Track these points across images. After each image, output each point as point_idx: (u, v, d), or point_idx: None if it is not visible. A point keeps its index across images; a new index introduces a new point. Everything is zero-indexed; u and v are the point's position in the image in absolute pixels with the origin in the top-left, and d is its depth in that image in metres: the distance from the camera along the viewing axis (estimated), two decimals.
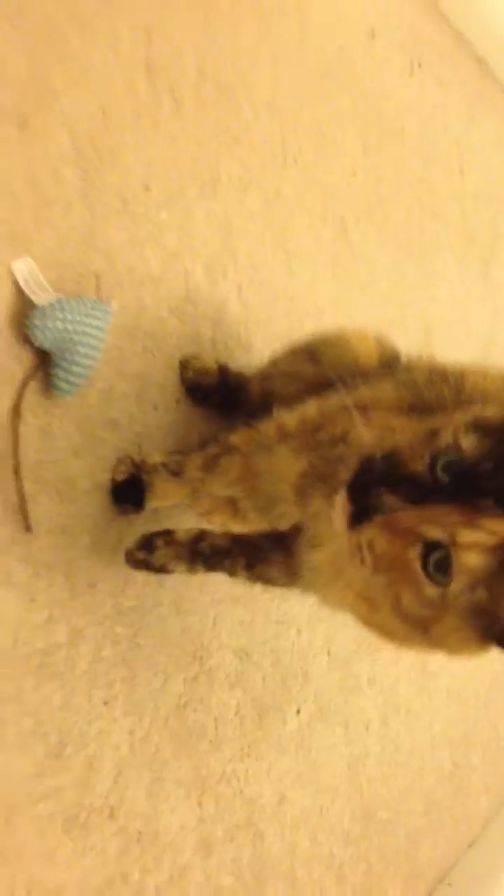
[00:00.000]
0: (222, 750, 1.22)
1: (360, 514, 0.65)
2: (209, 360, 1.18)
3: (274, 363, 1.11)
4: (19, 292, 0.95)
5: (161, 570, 1.00)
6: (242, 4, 1.30)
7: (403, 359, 1.03)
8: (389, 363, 1.00)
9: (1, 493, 0.93)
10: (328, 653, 1.44)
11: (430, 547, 0.64)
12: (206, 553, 1.00)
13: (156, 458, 1.08)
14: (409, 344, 1.69)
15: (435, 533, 0.63)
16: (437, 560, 0.64)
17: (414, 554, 0.64)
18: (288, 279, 1.41)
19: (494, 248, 2.09)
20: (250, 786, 1.26)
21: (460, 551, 0.63)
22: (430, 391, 0.89)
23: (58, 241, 1.01)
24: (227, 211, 1.27)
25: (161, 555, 0.99)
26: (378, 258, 1.64)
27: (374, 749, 1.55)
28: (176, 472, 1.06)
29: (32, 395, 0.97)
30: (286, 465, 0.91)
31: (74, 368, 0.97)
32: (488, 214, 2.07)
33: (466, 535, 0.62)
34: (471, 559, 0.63)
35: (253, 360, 1.32)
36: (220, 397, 1.19)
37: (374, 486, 0.66)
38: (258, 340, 1.34)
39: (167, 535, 1.00)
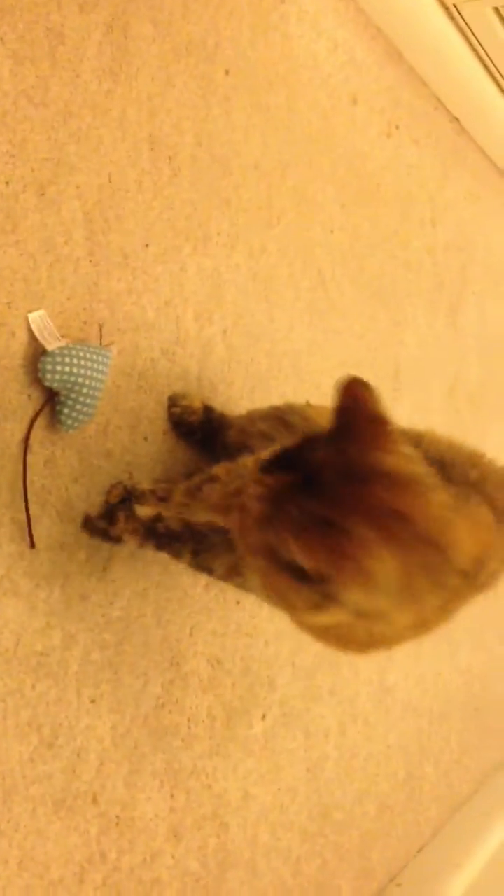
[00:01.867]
0: (193, 748, 1.36)
1: None
2: (195, 400, 1.33)
3: (252, 421, 1.27)
4: (33, 339, 1.09)
5: (115, 540, 1.17)
6: (236, 83, 1.46)
7: None
8: None
9: (10, 513, 1.07)
10: (293, 664, 1.59)
11: None
12: (160, 533, 1.16)
13: (144, 485, 1.22)
14: (379, 385, 1.85)
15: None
16: None
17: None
18: (268, 324, 1.56)
19: (462, 295, 2.26)
20: (218, 782, 1.40)
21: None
22: None
23: (67, 294, 1.15)
24: (216, 265, 1.42)
25: (120, 528, 1.17)
26: (352, 306, 1.80)
27: (332, 755, 1.69)
28: (163, 498, 1.20)
29: (40, 430, 1.11)
30: None
31: (78, 406, 1.11)
32: (457, 264, 2.24)
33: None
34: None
35: (234, 395, 1.47)
36: (202, 434, 1.33)
37: None
38: (240, 379, 1.49)
39: (129, 511, 1.16)
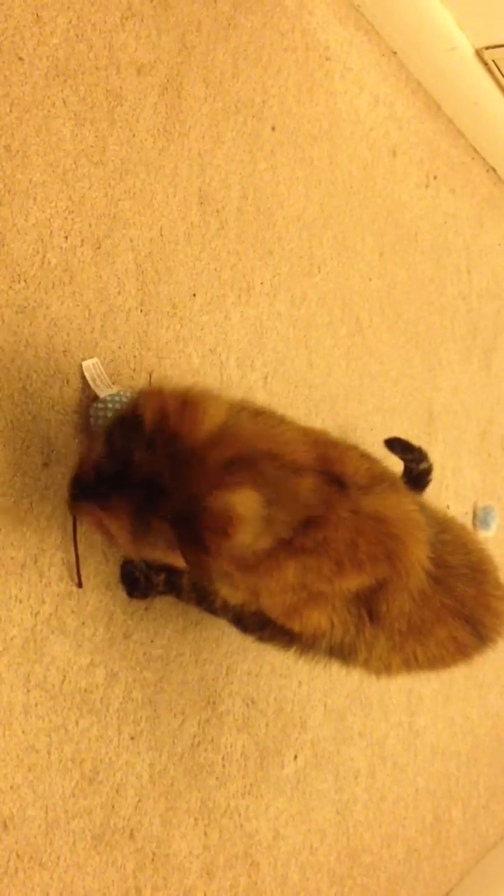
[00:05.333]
0: (227, 787, 1.38)
1: None
2: None
3: None
4: (86, 386, 1.14)
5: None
6: (282, 138, 1.51)
7: None
8: None
9: (60, 553, 1.11)
10: (325, 705, 1.60)
11: None
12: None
13: None
14: (413, 428, 1.88)
15: None
16: None
17: None
18: (308, 370, 1.60)
19: (497, 340, 2.29)
20: (250, 821, 1.42)
21: None
22: None
23: (118, 342, 1.20)
24: (259, 313, 1.47)
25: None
26: (388, 351, 1.84)
27: (361, 797, 1.70)
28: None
29: None
30: None
31: None
32: (492, 310, 2.27)
33: None
34: None
35: None
36: None
37: None
38: None
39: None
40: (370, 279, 1.77)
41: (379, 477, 1.03)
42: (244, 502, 0.90)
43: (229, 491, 0.90)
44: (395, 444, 1.59)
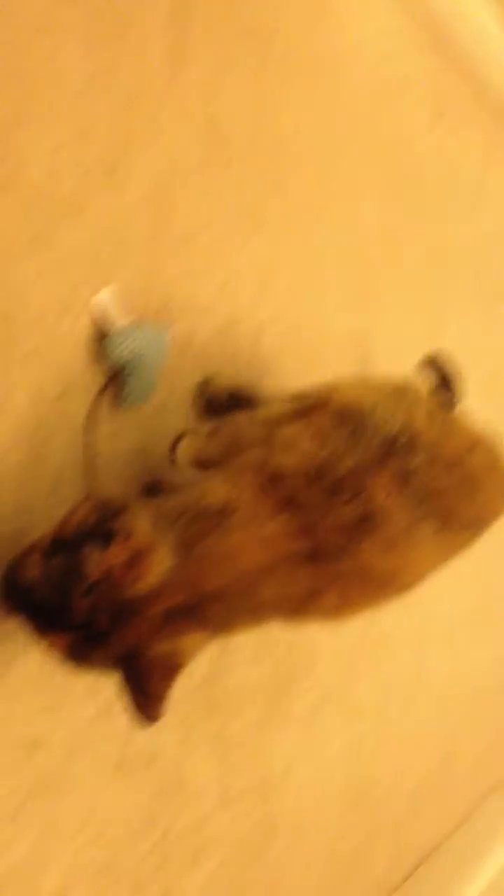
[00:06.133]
0: (240, 720, 1.39)
1: None
2: (225, 381, 1.31)
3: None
4: (100, 317, 1.13)
5: None
6: (291, 68, 1.49)
7: None
8: None
9: (79, 485, 1.11)
10: (335, 644, 1.62)
11: None
12: None
13: None
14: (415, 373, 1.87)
15: None
16: None
17: None
18: (316, 311, 1.59)
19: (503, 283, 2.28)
20: (262, 754, 1.44)
21: None
22: None
23: (131, 274, 1.19)
24: (270, 248, 1.45)
25: None
26: (395, 293, 1.83)
27: (370, 734, 1.73)
28: None
29: (105, 405, 1.15)
30: None
31: (141, 383, 1.15)
32: (499, 252, 2.26)
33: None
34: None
35: (285, 375, 1.51)
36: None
37: None
38: (290, 359, 1.52)
39: None
40: (378, 216, 1.75)
41: (345, 530, 0.96)
42: (189, 646, 0.92)
43: (173, 639, 0.90)
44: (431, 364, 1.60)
